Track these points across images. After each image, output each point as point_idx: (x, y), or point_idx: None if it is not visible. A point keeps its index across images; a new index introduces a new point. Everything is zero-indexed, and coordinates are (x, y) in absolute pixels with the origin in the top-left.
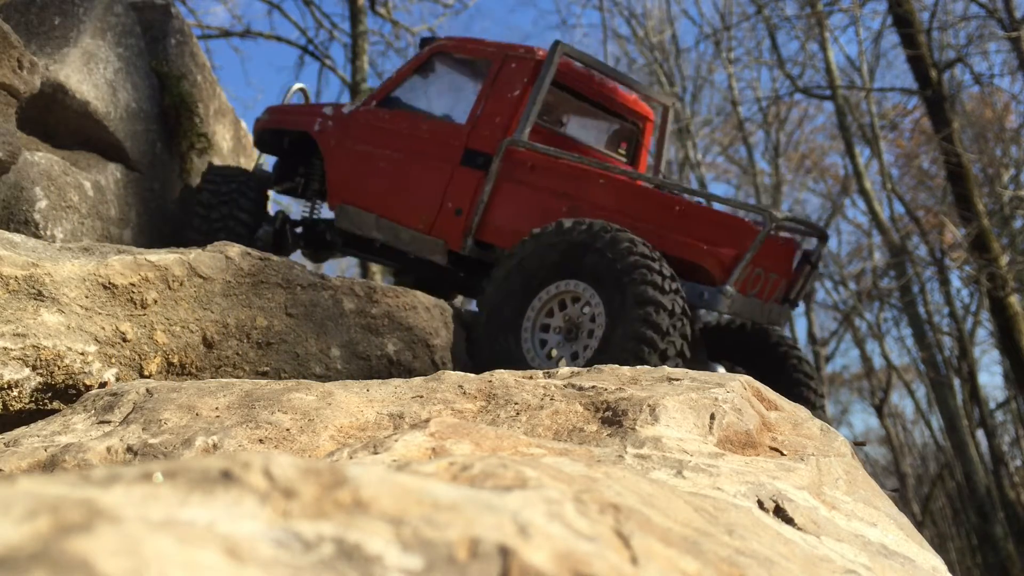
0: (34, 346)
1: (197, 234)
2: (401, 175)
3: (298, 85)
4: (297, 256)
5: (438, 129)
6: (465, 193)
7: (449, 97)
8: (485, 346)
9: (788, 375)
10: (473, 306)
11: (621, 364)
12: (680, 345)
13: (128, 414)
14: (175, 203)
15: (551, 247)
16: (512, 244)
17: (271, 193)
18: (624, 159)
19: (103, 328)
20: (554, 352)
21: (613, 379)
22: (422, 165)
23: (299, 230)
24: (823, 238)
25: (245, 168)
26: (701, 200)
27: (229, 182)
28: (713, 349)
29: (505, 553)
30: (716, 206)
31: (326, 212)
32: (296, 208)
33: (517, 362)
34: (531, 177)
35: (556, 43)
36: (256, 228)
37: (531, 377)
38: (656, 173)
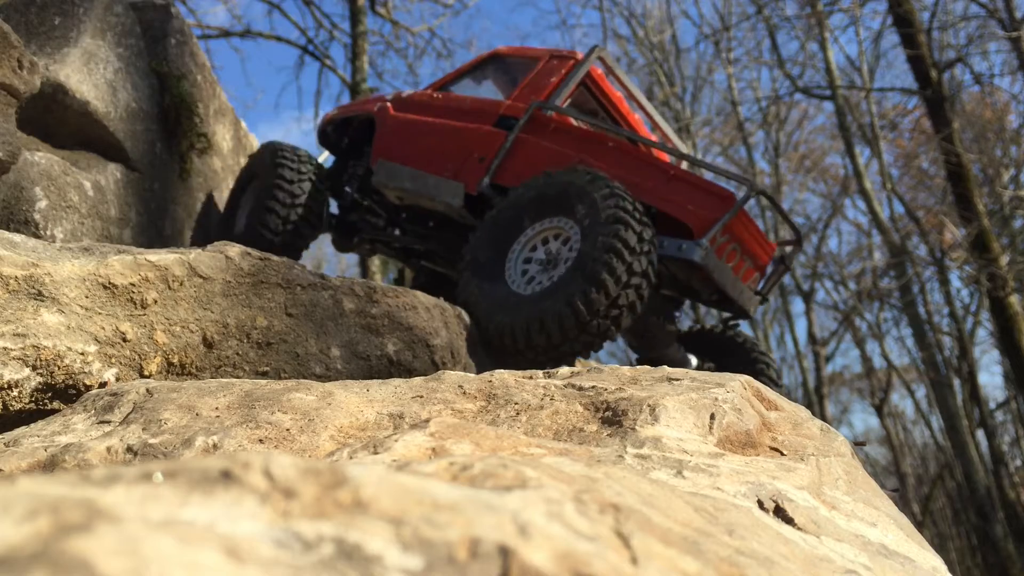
0: (34, 346)
1: (278, 207)
2: (439, 136)
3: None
4: (307, 251)
5: (480, 103)
6: (491, 145)
7: (496, 92)
8: (473, 266)
9: (755, 375)
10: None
11: (592, 279)
12: (646, 266)
13: (128, 414)
14: (176, 202)
15: (541, 188)
16: None
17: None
18: None
19: (103, 328)
20: (532, 277)
21: (613, 379)
22: (459, 128)
23: (335, 215)
24: (799, 242)
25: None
26: (701, 169)
27: (306, 164)
28: (689, 346)
29: (505, 553)
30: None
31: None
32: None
33: (498, 284)
34: (550, 136)
35: (595, 46)
36: (321, 209)
37: (531, 377)
38: None
